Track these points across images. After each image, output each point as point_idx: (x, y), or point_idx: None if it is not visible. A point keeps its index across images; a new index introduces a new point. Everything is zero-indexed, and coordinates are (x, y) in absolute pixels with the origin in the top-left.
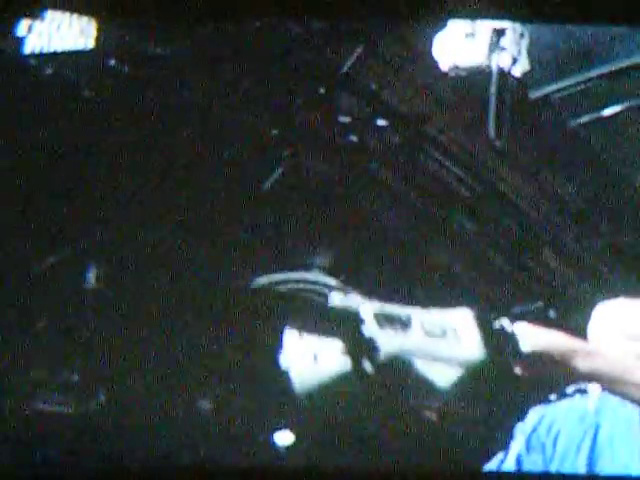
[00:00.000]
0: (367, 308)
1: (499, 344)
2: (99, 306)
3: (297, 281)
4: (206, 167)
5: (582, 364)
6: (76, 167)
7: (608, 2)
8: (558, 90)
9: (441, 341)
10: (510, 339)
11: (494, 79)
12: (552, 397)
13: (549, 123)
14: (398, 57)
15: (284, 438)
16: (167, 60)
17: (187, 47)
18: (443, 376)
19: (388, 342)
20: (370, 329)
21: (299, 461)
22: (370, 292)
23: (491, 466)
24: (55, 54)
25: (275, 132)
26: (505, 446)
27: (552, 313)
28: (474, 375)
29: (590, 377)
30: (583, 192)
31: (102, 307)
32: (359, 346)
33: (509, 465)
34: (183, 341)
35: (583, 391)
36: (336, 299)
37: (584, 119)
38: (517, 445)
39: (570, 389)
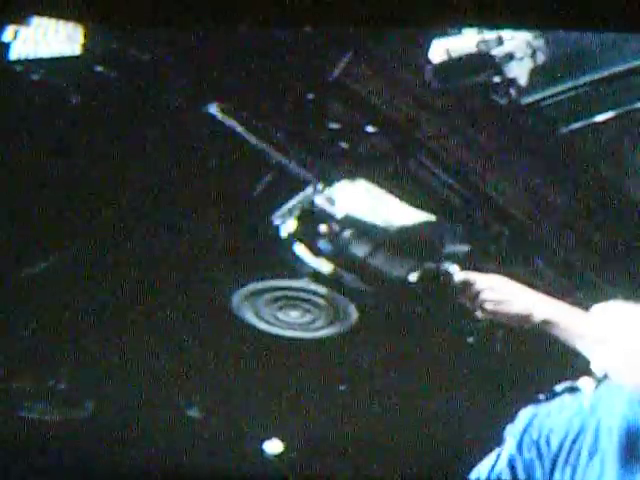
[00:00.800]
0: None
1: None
2: (88, 315)
3: (287, 288)
4: (194, 173)
5: (539, 313)
6: (63, 172)
7: (600, 9)
8: (549, 96)
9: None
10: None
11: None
12: (541, 396)
13: (540, 129)
14: (388, 63)
15: (273, 447)
16: (154, 65)
17: (175, 53)
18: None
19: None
20: None
21: (288, 469)
22: (358, 299)
23: (481, 471)
24: (42, 60)
25: (263, 139)
26: (494, 449)
27: None
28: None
29: (544, 324)
30: (574, 199)
31: (91, 316)
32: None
33: (501, 468)
34: (172, 350)
35: (575, 389)
36: None
37: (575, 125)
38: (508, 447)
39: (560, 387)
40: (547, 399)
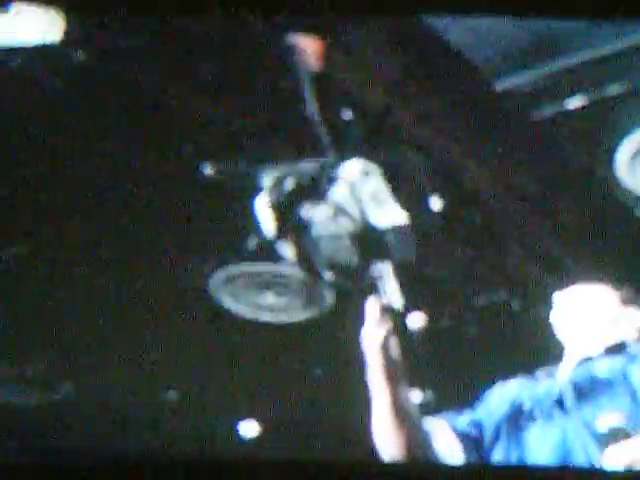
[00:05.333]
0: None
1: None
2: (65, 300)
3: (264, 273)
4: (170, 160)
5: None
6: (42, 158)
7: None
8: (522, 83)
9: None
10: None
11: None
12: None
13: (513, 115)
14: (362, 50)
15: (249, 429)
16: (132, 53)
17: (151, 40)
18: None
19: None
20: None
21: (264, 451)
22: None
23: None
24: (21, 47)
25: (238, 125)
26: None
27: (516, 305)
28: None
29: None
30: (547, 184)
31: (68, 300)
32: None
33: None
34: (149, 334)
35: (552, 374)
36: None
37: (547, 111)
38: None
39: (542, 371)
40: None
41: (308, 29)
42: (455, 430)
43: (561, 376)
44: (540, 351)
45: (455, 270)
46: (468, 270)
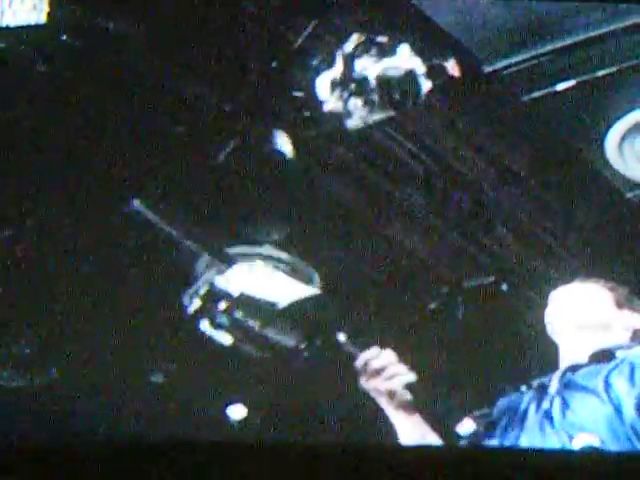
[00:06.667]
0: None
1: None
2: (52, 282)
3: (251, 255)
4: (159, 140)
5: None
6: (28, 142)
7: None
8: (511, 65)
9: None
10: None
11: None
12: (523, 388)
13: (501, 97)
14: (352, 31)
15: (237, 412)
16: (119, 35)
17: (139, 21)
18: None
19: None
20: None
21: (252, 435)
22: (322, 267)
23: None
24: (7, 29)
25: (228, 107)
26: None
27: (504, 287)
28: None
29: None
30: (536, 167)
31: (56, 284)
32: None
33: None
34: (136, 316)
35: (545, 386)
36: None
37: (536, 94)
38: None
39: (535, 382)
40: (528, 390)
41: (297, 11)
42: None
43: (552, 386)
44: (529, 339)
45: (444, 253)
46: (458, 253)
